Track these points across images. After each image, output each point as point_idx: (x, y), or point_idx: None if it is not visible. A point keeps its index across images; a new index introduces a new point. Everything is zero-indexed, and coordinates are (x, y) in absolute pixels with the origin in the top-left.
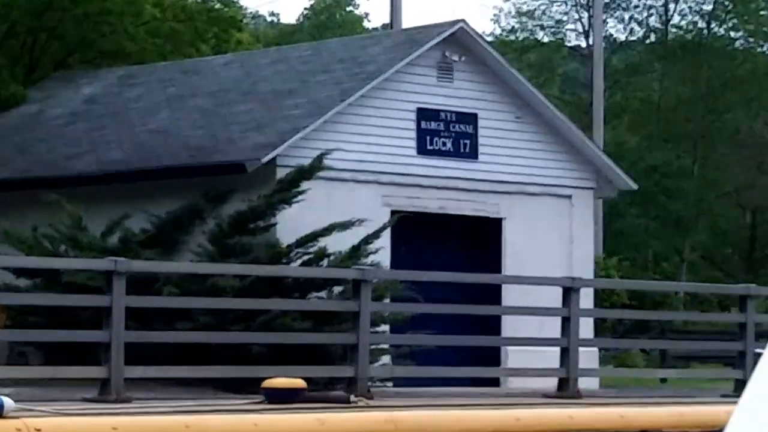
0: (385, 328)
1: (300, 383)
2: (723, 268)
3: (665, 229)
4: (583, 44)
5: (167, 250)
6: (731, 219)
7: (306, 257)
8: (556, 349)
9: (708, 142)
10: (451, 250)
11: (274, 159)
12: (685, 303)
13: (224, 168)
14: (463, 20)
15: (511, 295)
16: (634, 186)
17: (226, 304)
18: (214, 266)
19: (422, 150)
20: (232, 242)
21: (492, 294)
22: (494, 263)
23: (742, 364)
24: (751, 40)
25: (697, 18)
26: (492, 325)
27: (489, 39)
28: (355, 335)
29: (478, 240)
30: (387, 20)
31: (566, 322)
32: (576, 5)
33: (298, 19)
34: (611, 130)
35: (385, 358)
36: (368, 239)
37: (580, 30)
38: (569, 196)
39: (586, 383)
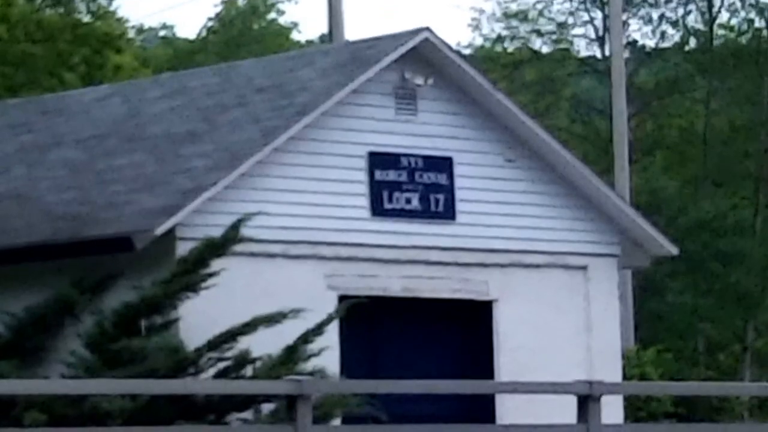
0: None
1: None
2: None
3: (721, 307)
4: (598, 55)
5: (27, 362)
6: None
7: (222, 365)
8: None
9: None
10: (425, 347)
11: (172, 230)
12: (750, 409)
13: (103, 244)
14: (427, 29)
15: (508, 407)
16: (675, 251)
17: None
18: (95, 383)
19: (378, 210)
20: (119, 347)
21: (482, 406)
22: (484, 364)
23: None
24: None
25: (753, 14)
26: None
27: (466, 52)
28: None
29: (461, 331)
30: (325, 30)
31: None
32: (585, 2)
33: (199, 34)
34: (641, 173)
35: None
36: (308, 337)
37: (593, 36)
38: (584, 267)
39: None
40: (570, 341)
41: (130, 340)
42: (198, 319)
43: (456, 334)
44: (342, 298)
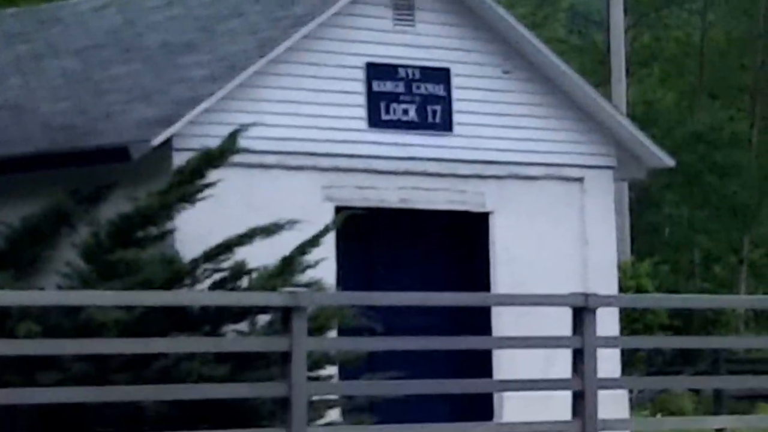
0: (333, 371)
1: None
2: None
3: (717, 219)
4: None
5: (23, 272)
6: None
7: (218, 276)
8: (568, 394)
9: None
10: (421, 260)
11: (169, 140)
12: (746, 322)
13: (99, 154)
14: None
15: (504, 320)
16: (671, 163)
17: (107, 347)
18: (90, 294)
19: (375, 121)
20: (114, 258)
21: (479, 319)
22: (480, 276)
23: None
24: None
25: None
26: (481, 363)
27: None
28: (285, 384)
29: (457, 244)
30: None
31: (579, 356)
32: None
33: None
34: (637, 85)
35: (333, 414)
36: (305, 248)
37: None
38: (581, 179)
39: None
40: (566, 253)
41: (126, 251)
42: (194, 230)
43: (452, 246)
44: (339, 210)
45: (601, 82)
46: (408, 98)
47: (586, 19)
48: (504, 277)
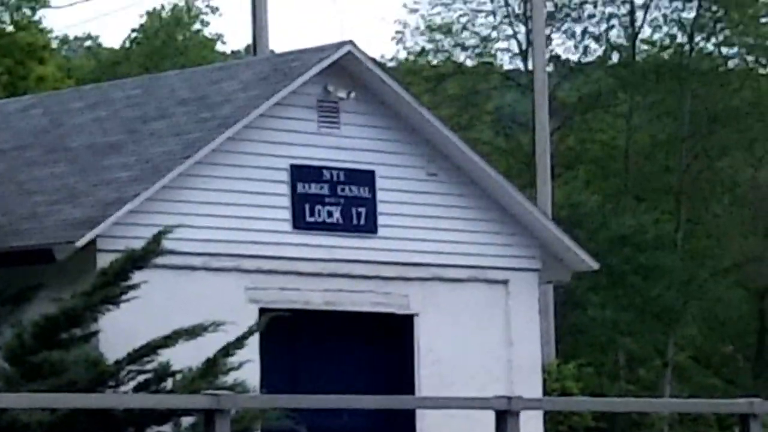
0: None
1: None
2: (722, 372)
3: (642, 321)
4: (522, 68)
5: None
6: (731, 305)
7: (142, 378)
8: None
9: (696, 199)
10: (346, 361)
11: (93, 241)
12: (671, 424)
13: (24, 256)
14: (350, 42)
15: (429, 422)
16: (595, 265)
17: None
18: (14, 396)
19: (300, 223)
20: (39, 359)
21: (404, 420)
22: (406, 377)
23: None
24: (750, 58)
25: (675, 30)
26: None
27: (390, 65)
28: None
29: (382, 345)
30: (249, 41)
31: None
32: (508, 16)
33: (123, 44)
34: (562, 187)
35: None
36: (229, 350)
37: (516, 50)
38: (505, 282)
39: None
40: (491, 355)
41: (50, 353)
42: (118, 331)
43: (377, 347)
44: (263, 311)
45: (527, 184)
46: (333, 200)
47: (511, 121)
48: (429, 378)
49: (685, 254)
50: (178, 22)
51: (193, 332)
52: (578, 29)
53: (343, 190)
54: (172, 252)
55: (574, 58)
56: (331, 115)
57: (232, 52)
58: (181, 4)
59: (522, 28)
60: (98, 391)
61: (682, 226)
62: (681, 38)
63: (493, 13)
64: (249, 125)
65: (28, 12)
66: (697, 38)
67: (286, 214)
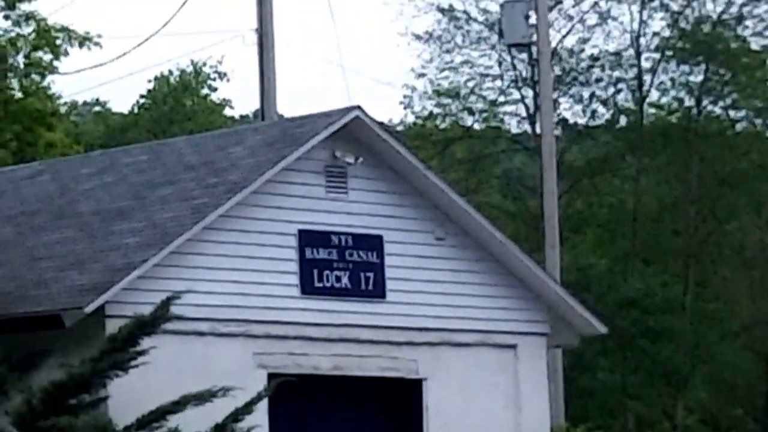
0: None
1: None
2: None
3: (650, 384)
4: (530, 132)
5: None
6: (740, 368)
7: None
8: None
9: (704, 262)
10: (354, 426)
11: (101, 307)
12: None
13: (32, 322)
14: (358, 107)
15: None
16: (604, 330)
17: None
18: None
19: (308, 289)
20: (47, 425)
21: None
22: None
23: None
24: (758, 121)
25: (683, 94)
26: None
27: (398, 129)
28: None
29: (390, 410)
30: (257, 106)
31: None
32: (516, 80)
33: (132, 110)
34: (570, 251)
35: None
36: (237, 415)
37: (524, 114)
38: (514, 346)
39: None
40: (499, 420)
41: (59, 418)
42: (127, 397)
43: (386, 412)
44: (271, 377)
45: (535, 247)
46: (341, 265)
47: (519, 185)
48: None
49: (693, 317)
50: (186, 88)
51: (201, 397)
52: (586, 93)
53: (351, 255)
54: (180, 318)
55: (581, 121)
56: (339, 180)
57: (241, 116)
58: (189, 69)
59: (529, 92)
60: None
61: (691, 289)
62: (689, 101)
63: (501, 77)
64: (257, 191)
65: (36, 78)
66: (705, 101)
67: (295, 280)
